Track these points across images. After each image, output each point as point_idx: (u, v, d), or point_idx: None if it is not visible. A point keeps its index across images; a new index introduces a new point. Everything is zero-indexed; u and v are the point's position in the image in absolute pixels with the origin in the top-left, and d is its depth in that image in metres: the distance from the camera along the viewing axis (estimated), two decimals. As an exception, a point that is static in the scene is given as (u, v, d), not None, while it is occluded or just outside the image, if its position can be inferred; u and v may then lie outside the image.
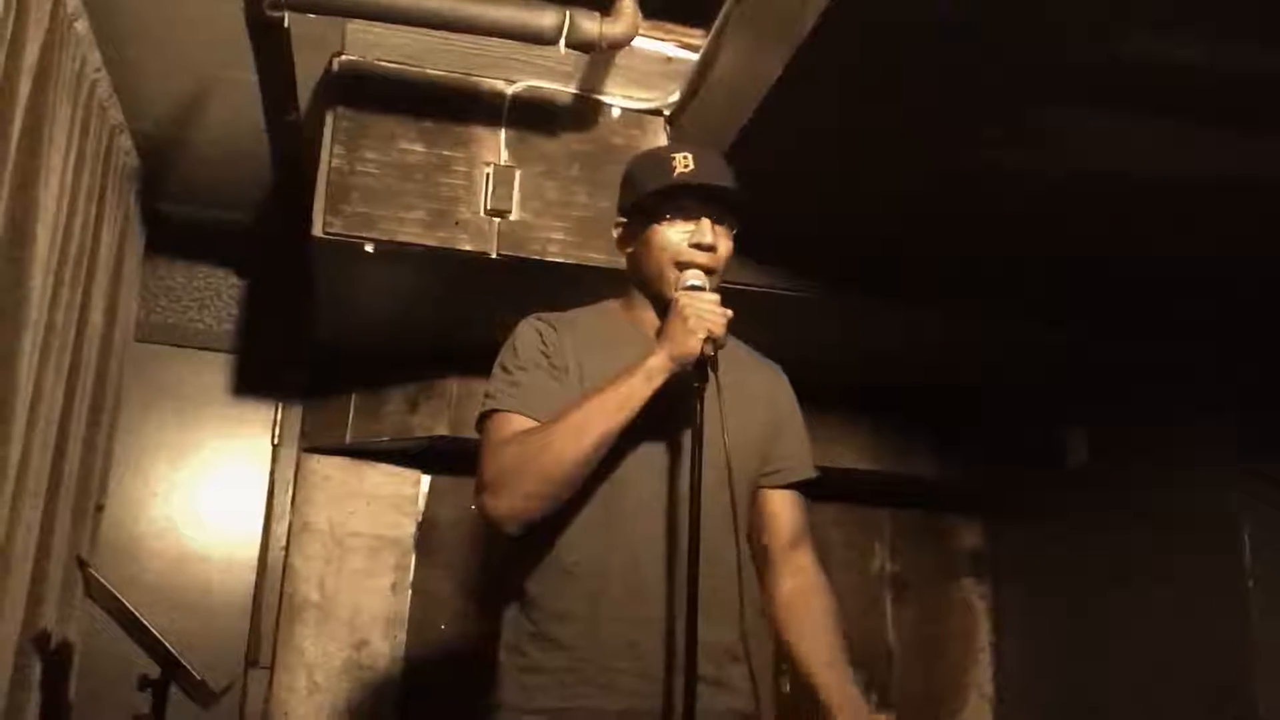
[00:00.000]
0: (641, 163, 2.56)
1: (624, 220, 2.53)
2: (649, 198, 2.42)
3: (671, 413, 2.28)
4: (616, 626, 2.30)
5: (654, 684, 2.26)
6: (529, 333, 2.49)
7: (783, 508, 2.56)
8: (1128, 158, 3.11)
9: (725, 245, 2.42)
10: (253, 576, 4.66)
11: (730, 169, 2.46)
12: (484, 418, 2.42)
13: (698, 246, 2.38)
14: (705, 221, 2.38)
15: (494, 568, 4.70)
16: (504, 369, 2.46)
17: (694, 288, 2.34)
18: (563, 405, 2.32)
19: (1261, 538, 3.89)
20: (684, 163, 2.40)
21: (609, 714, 2.27)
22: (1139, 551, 4.35)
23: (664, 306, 2.39)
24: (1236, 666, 3.85)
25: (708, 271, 2.38)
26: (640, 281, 2.50)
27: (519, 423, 2.35)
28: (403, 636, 4.72)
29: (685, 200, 2.39)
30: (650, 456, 2.38)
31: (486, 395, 2.45)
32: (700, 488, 2.17)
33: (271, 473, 4.78)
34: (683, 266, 2.38)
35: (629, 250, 2.52)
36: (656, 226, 2.41)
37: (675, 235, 2.40)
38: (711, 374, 2.23)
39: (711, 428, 2.22)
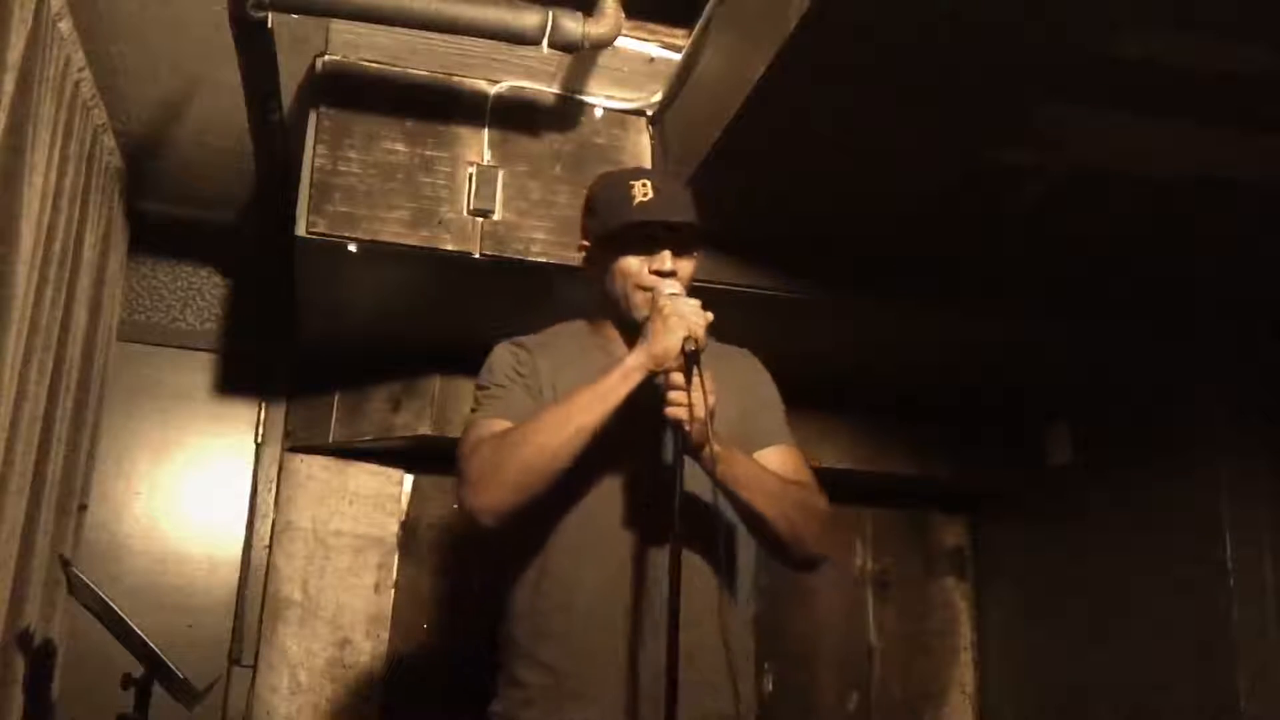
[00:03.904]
0: (602, 190, 2.57)
1: (587, 245, 2.57)
2: (610, 231, 2.46)
3: (651, 414, 2.29)
4: (593, 636, 2.34)
5: (634, 690, 2.29)
6: (504, 354, 2.54)
7: (768, 461, 2.48)
8: (1126, 158, 3.12)
9: (686, 267, 2.46)
10: (236, 576, 4.67)
11: (688, 193, 2.50)
12: (466, 430, 2.46)
13: (658, 273, 2.41)
14: (665, 253, 2.42)
15: (482, 577, 4.71)
16: (481, 388, 2.51)
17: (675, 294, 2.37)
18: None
19: (1244, 536, 3.91)
20: (643, 191, 2.43)
21: None
22: (1121, 550, 4.37)
23: (629, 327, 2.44)
24: (1219, 664, 3.86)
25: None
26: (605, 304, 2.54)
27: (499, 425, 2.39)
28: (386, 636, 4.72)
29: (644, 232, 2.43)
30: (629, 462, 2.40)
31: (471, 412, 2.50)
32: (682, 486, 2.16)
33: (255, 472, 4.78)
34: (645, 289, 2.42)
35: (594, 274, 2.56)
36: (619, 256, 2.46)
37: (636, 263, 2.44)
38: (696, 372, 2.22)
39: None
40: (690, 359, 2.23)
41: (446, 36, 3.34)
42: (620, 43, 3.35)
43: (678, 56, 3.46)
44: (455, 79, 3.64)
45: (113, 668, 3.35)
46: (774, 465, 2.47)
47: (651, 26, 3.47)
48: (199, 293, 4.89)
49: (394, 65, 3.59)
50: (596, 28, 3.20)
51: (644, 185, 2.44)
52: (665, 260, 2.41)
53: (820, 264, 3.75)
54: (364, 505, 4.81)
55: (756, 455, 2.47)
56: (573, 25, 3.16)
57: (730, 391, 2.48)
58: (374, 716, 4.63)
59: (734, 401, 2.49)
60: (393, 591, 4.78)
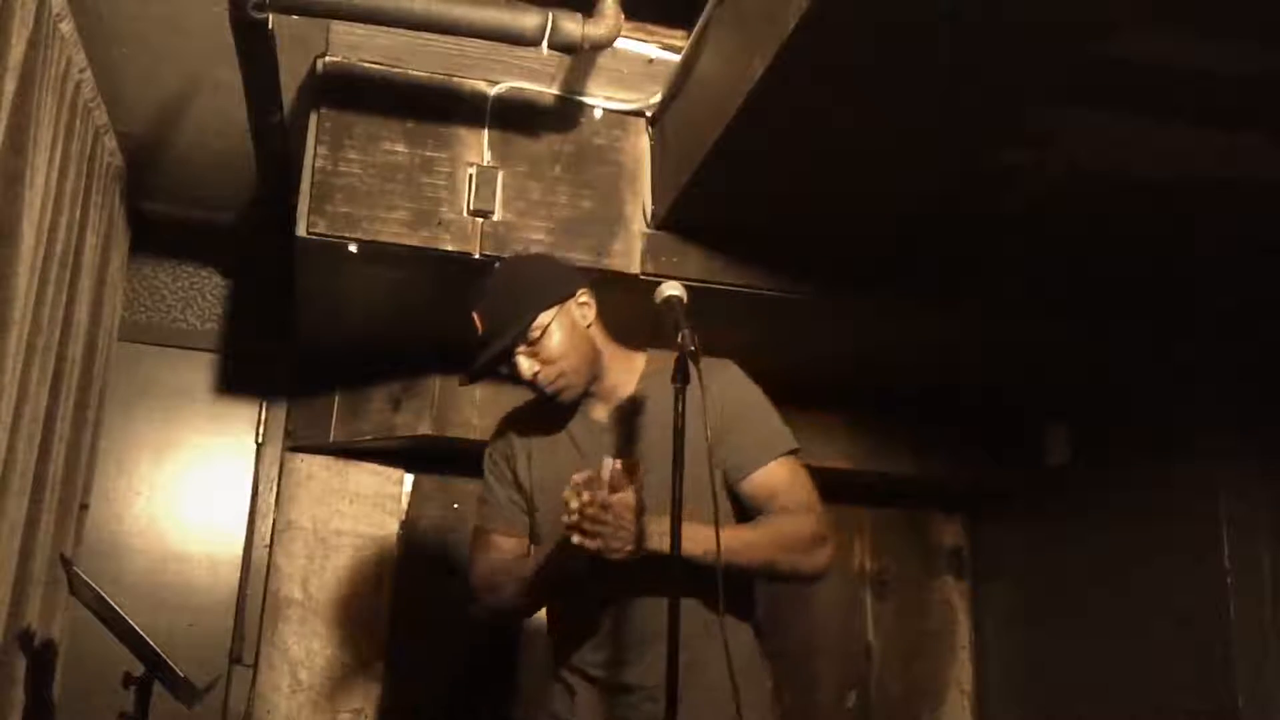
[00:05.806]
0: None
1: None
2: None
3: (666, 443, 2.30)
4: (596, 645, 2.46)
5: (628, 697, 2.38)
6: (486, 462, 2.73)
7: (754, 494, 2.50)
8: (1127, 158, 3.12)
9: (543, 351, 2.50)
10: (237, 575, 4.67)
11: (519, 285, 2.56)
12: (471, 533, 2.74)
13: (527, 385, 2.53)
14: (517, 364, 2.51)
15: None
16: (480, 495, 2.74)
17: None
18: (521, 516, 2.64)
19: (1244, 536, 3.92)
20: (478, 325, 2.54)
21: None
22: (1119, 550, 4.38)
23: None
24: (1216, 663, 3.87)
25: (551, 381, 2.50)
26: None
27: (487, 538, 2.66)
28: (385, 636, 4.73)
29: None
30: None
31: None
32: (681, 492, 2.12)
33: (255, 471, 4.79)
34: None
35: None
36: None
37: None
38: (696, 377, 2.20)
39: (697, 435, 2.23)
40: (687, 367, 2.21)
41: (446, 37, 3.34)
42: (620, 44, 3.35)
43: (677, 57, 3.46)
44: (455, 80, 3.64)
45: (113, 667, 3.34)
46: (763, 489, 2.48)
47: (651, 27, 3.47)
48: (200, 293, 4.90)
49: (394, 66, 3.59)
50: (596, 29, 3.20)
51: (476, 320, 2.54)
52: (521, 372, 2.51)
53: (820, 264, 3.75)
54: (364, 505, 4.82)
55: (746, 481, 2.49)
56: (572, 26, 3.16)
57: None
58: (374, 716, 4.64)
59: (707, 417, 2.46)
60: (392, 591, 4.79)
